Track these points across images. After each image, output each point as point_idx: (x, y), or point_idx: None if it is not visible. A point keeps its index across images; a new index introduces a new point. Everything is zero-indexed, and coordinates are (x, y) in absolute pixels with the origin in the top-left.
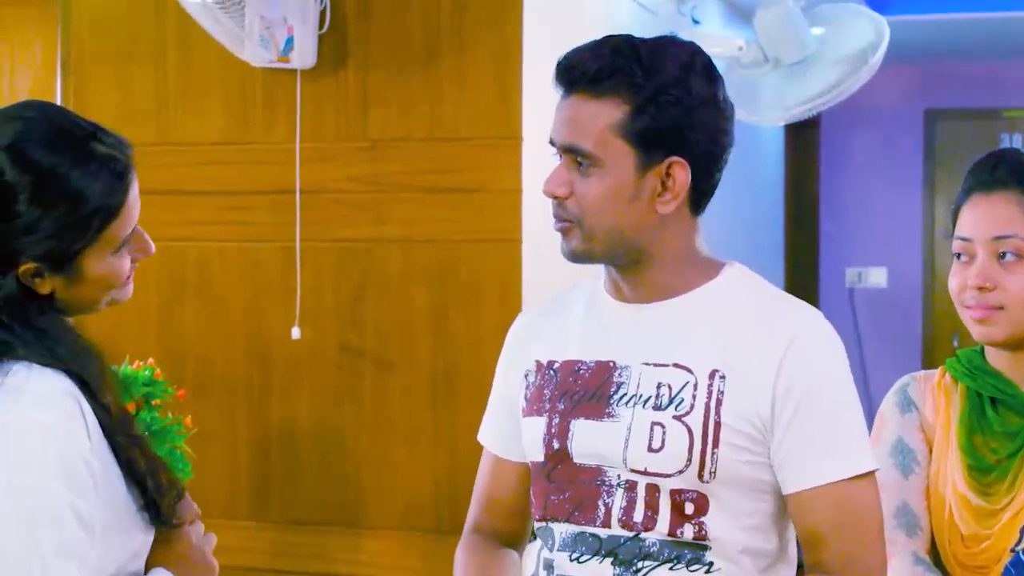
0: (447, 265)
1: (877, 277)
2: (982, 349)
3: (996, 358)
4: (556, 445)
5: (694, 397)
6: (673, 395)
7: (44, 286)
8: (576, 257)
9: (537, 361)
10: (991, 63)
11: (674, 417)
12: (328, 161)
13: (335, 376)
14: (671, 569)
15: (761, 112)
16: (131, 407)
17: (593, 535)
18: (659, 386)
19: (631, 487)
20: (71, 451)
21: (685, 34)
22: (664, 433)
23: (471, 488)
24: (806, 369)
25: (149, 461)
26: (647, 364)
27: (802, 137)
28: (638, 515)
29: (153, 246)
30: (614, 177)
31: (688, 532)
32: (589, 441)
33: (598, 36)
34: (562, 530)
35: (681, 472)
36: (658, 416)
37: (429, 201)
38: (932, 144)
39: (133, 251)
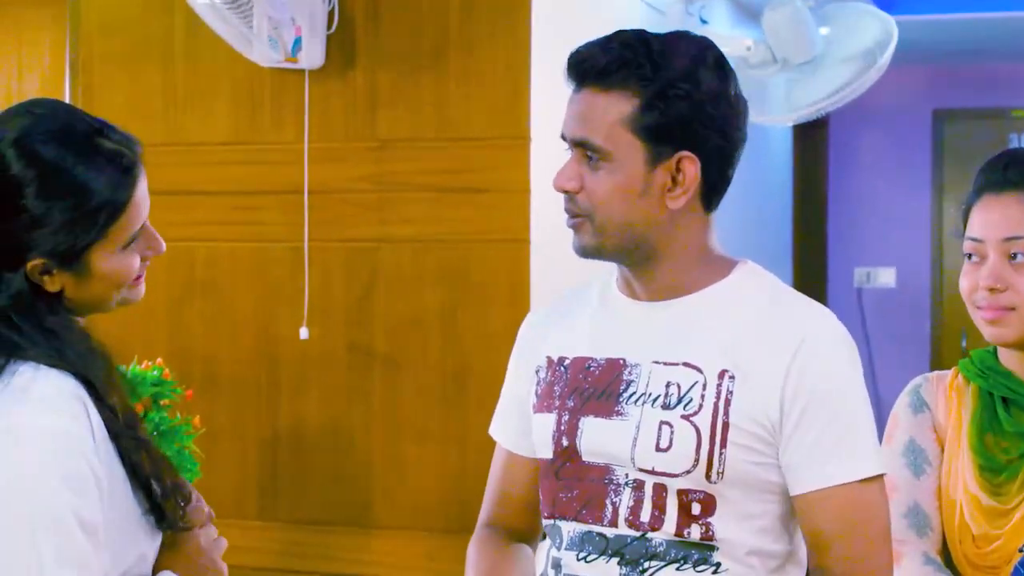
0: (456, 265)
1: (886, 277)
2: (995, 350)
3: (1008, 358)
4: (565, 442)
5: (702, 397)
6: (682, 394)
7: (53, 284)
8: (587, 253)
9: (548, 357)
10: (1000, 63)
11: (682, 417)
12: (336, 161)
13: (343, 376)
14: (678, 569)
15: (770, 112)
16: (139, 407)
17: (600, 534)
18: (668, 385)
19: (639, 486)
20: (75, 455)
21: None
22: (672, 433)
23: (480, 488)
24: (815, 370)
25: (155, 464)
26: (657, 362)
27: (810, 137)
28: (645, 515)
29: (164, 244)
30: (623, 171)
31: (695, 532)
32: (598, 439)
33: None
34: (570, 529)
35: (688, 472)
36: (666, 415)
37: (438, 201)
38: (940, 144)
39: (143, 249)
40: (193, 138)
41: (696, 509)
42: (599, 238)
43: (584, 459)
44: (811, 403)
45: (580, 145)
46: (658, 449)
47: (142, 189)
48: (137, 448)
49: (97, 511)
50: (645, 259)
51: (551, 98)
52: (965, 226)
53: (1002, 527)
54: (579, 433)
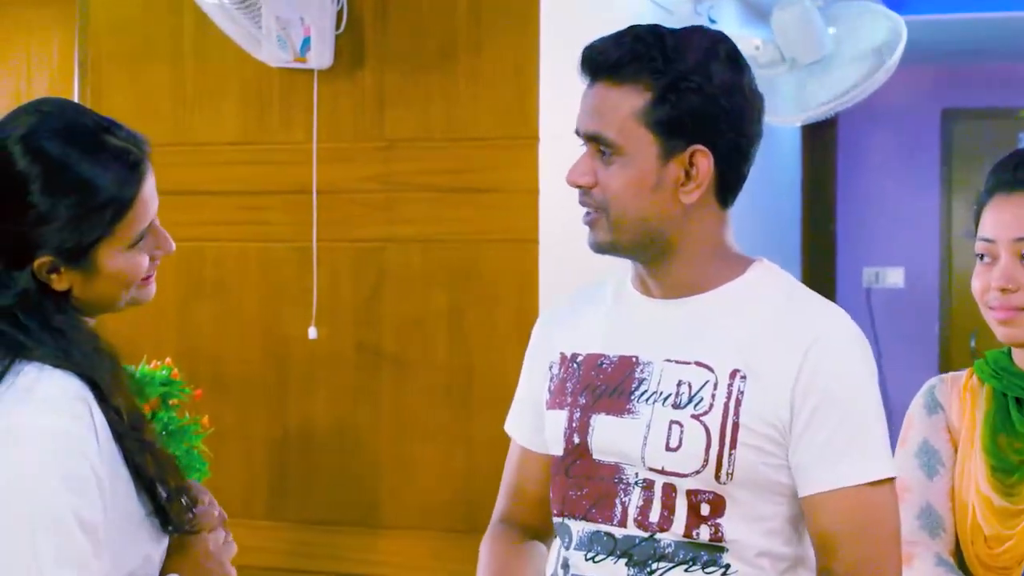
0: (464, 265)
1: (894, 277)
2: (1009, 350)
3: (1022, 359)
4: (576, 440)
5: (713, 396)
6: (693, 394)
7: (61, 282)
8: (602, 249)
9: (561, 353)
10: (1009, 63)
11: (692, 416)
12: (345, 161)
13: (352, 376)
14: (686, 571)
15: (779, 112)
16: (148, 407)
17: (608, 534)
18: (679, 384)
19: (648, 486)
20: (75, 455)
21: None
22: (682, 432)
23: (488, 488)
24: (828, 370)
25: (160, 466)
26: (669, 361)
27: (819, 137)
28: (654, 515)
29: (173, 244)
30: (636, 166)
31: (704, 533)
32: (609, 437)
33: None
34: (579, 528)
35: (698, 472)
36: (677, 415)
37: (446, 201)
38: (949, 144)
39: (152, 248)
40: (201, 138)
41: (705, 510)
42: (614, 234)
43: (595, 457)
44: (822, 403)
45: (593, 139)
46: (668, 448)
47: (149, 187)
48: (141, 450)
49: (97, 511)
50: (660, 255)
51: (559, 98)
52: (977, 227)
53: (1014, 528)
54: (590, 430)
